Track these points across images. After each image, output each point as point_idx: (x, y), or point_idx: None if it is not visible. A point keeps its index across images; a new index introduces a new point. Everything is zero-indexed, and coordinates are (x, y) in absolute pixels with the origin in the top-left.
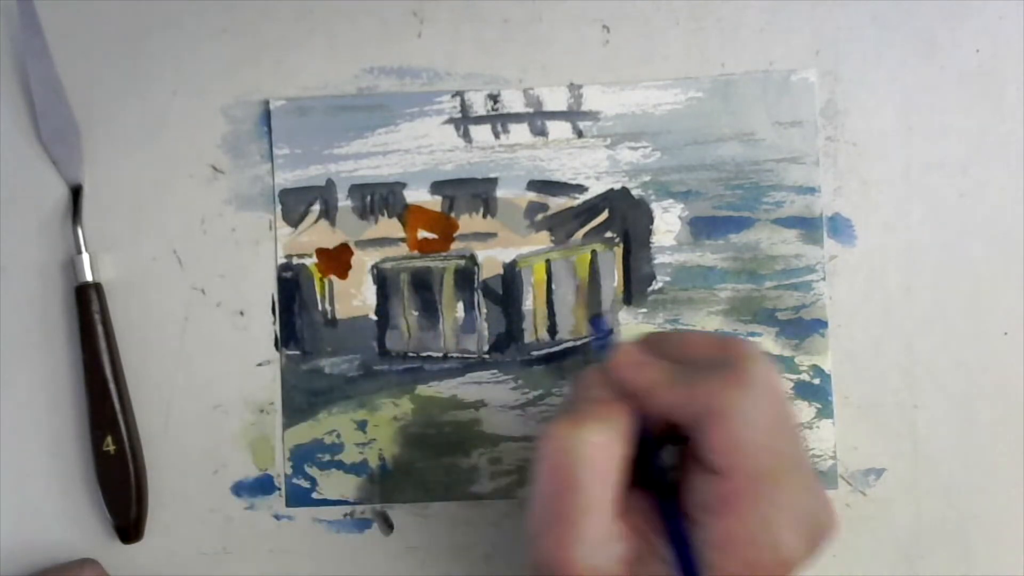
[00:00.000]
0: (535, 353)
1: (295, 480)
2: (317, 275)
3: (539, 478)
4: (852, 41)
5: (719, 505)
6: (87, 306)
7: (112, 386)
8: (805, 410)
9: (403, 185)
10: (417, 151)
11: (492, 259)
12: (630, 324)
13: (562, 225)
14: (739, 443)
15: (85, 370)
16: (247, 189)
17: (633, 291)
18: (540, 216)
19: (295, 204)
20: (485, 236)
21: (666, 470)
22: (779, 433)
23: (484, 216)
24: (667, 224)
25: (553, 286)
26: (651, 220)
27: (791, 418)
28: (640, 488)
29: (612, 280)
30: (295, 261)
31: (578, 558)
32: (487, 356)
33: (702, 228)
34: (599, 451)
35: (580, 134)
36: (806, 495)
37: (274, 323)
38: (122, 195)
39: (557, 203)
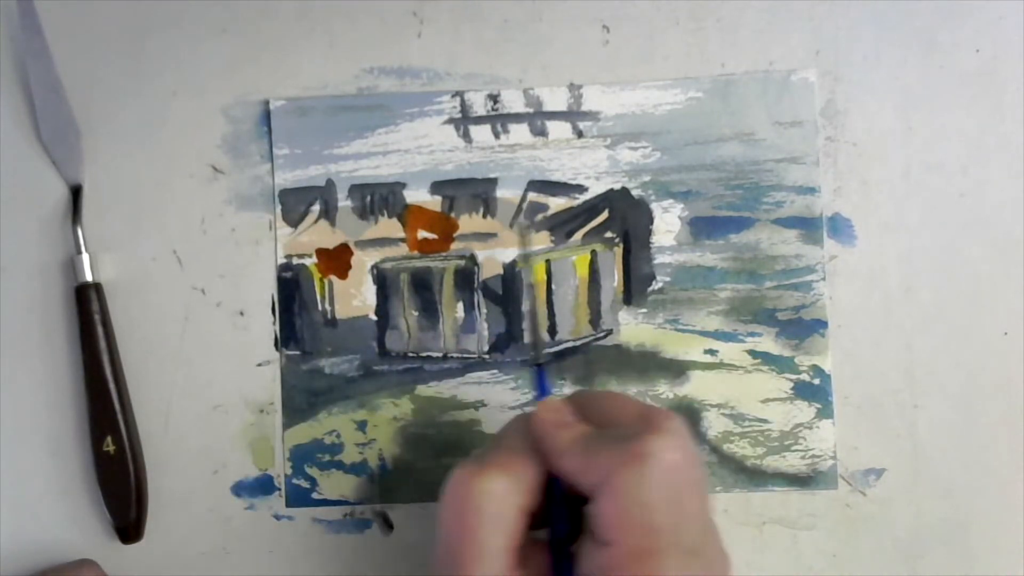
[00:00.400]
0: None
1: (295, 480)
2: (317, 275)
3: (440, 521)
4: (852, 41)
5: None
6: (87, 306)
7: (112, 386)
8: (805, 410)
9: (403, 185)
10: (417, 151)
11: (492, 259)
12: (630, 324)
13: (562, 225)
14: (625, 519)
15: (85, 370)
16: (247, 189)
17: (633, 291)
18: (540, 216)
19: (295, 204)
20: (485, 236)
21: (567, 530)
22: (669, 511)
23: (484, 216)
24: (667, 224)
25: (553, 286)
26: (651, 220)
27: (690, 493)
28: (544, 543)
29: (612, 280)
30: (295, 261)
31: None
32: (487, 356)
33: (702, 228)
34: (495, 501)
35: (580, 134)
36: (694, 570)
37: (274, 323)
38: (122, 195)
39: (557, 203)
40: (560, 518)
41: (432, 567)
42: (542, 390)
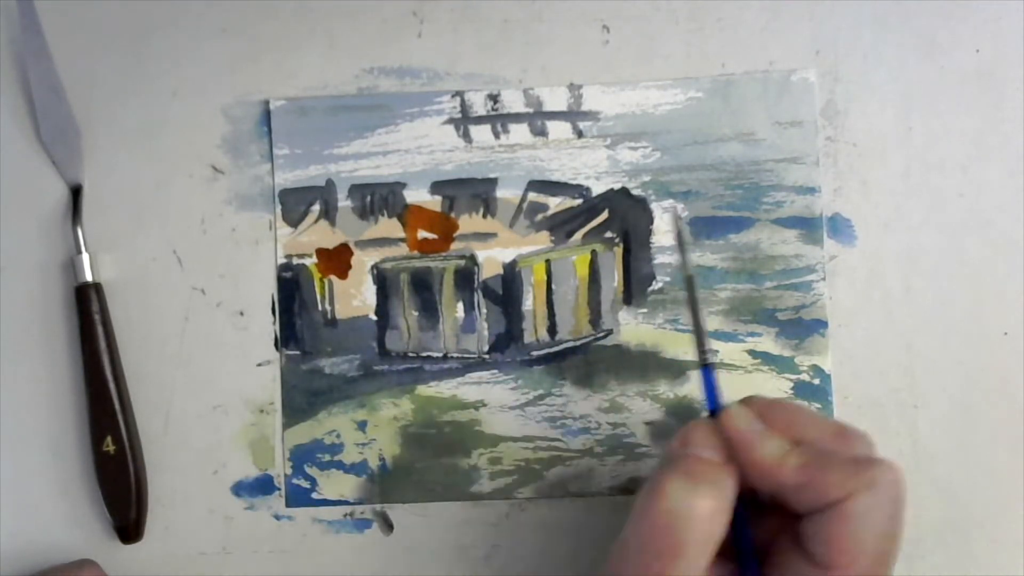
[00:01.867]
0: (535, 353)
1: (295, 480)
2: (317, 275)
3: (638, 532)
4: (852, 41)
5: None
6: (87, 306)
7: (112, 386)
8: None
9: (403, 185)
10: (417, 151)
11: (492, 259)
12: (630, 324)
13: (562, 225)
14: (856, 544)
15: (85, 370)
16: (247, 189)
17: (633, 291)
18: (540, 216)
19: (295, 204)
20: (485, 236)
21: (752, 543)
22: (892, 539)
23: (484, 216)
24: (667, 224)
25: (553, 286)
26: (651, 220)
27: (902, 521)
28: (720, 555)
29: (612, 280)
30: (295, 261)
31: None
32: (487, 356)
33: (702, 228)
34: (709, 519)
35: (580, 134)
36: None
37: (274, 323)
38: (122, 195)
39: (557, 203)
40: (748, 535)
41: (618, 558)
42: (712, 396)
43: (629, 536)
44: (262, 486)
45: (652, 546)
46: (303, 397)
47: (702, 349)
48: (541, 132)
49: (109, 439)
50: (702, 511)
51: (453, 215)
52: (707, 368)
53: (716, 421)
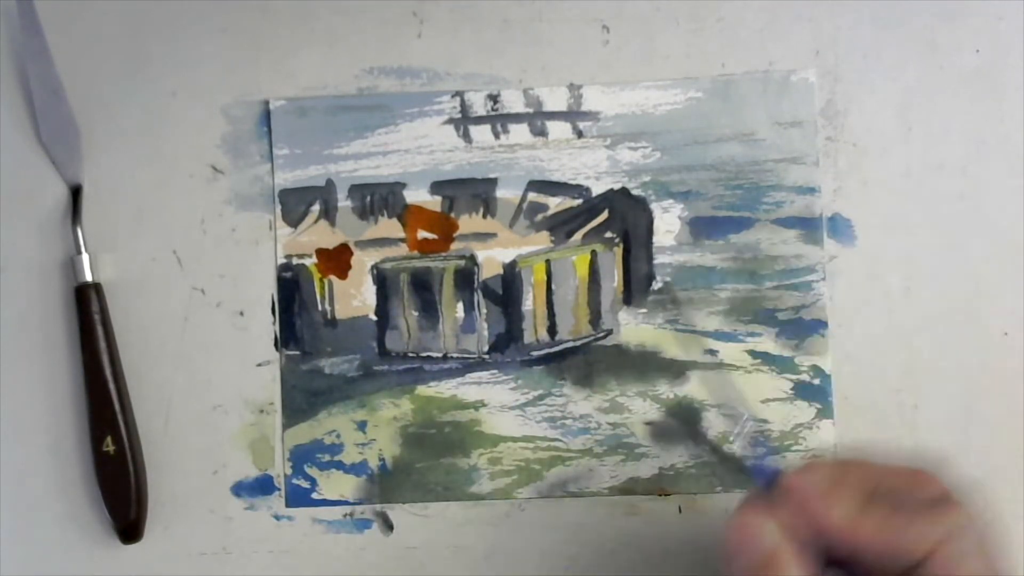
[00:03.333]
0: (535, 353)
1: (295, 480)
2: (317, 275)
3: None
4: (852, 41)
5: None
6: (87, 306)
7: (112, 386)
8: (805, 410)
9: (403, 185)
10: (417, 151)
11: (492, 259)
12: (630, 324)
13: (562, 225)
14: None
15: (85, 370)
16: (247, 189)
17: (633, 291)
18: (540, 216)
19: (295, 204)
20: (485, 236)
21: None
22: (992, 568)
23: (484, 216)
24: (667, 224)
25: (553, 286)
26: (651, 220)
27: (996, 556)
28: None
29: (612, 280)
30: (295, 261)
31: None
32: (487, 356)
33: (702, 228)
34: None
35: (580, 134)
36: None
37: (274, 323)
38: (122, 195)
39: (557, 203)
40: None
41: None
42: (763, 468)
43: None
44: (262, 486)
45: None
46: (303, 397)
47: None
48: (541, 132)
49: (109, 439)
50: None
51: (453, 215)
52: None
53: (771, 495)
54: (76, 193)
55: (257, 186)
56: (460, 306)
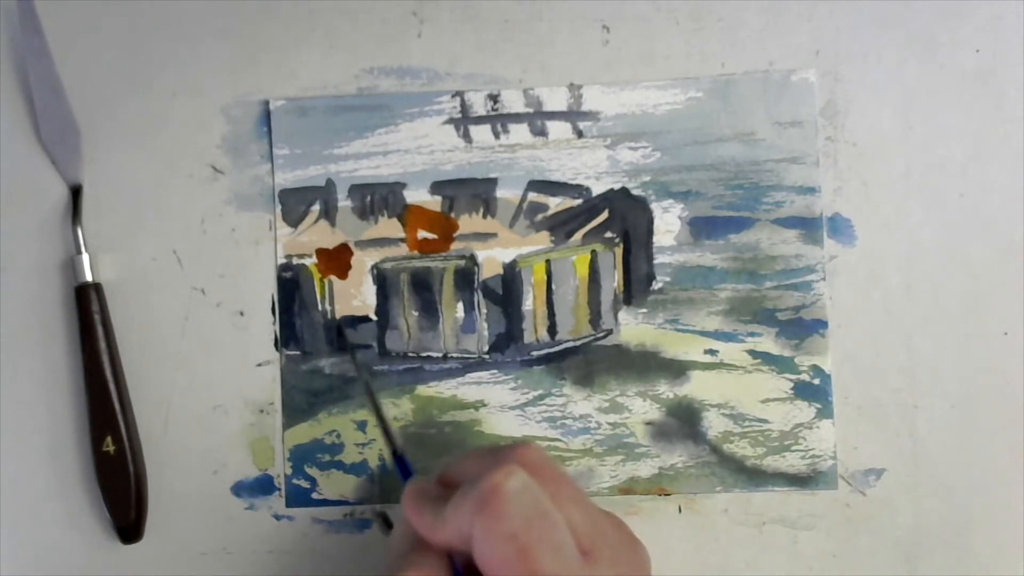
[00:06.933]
0: (535, 353)
1: (295, 480)
2: (317, 275)
3: None
4: (852, 41)
5: None
6: (87, 306)
7: (112, 386)
8: (805, 410)
9: (403, 185)
10: (417, 151)
11: (492, 259)
12: (630, 324)
13: (562, 225)
14: (492, 560)
15: (85, 370)
16: (247, 189)
17: (633, 291)
18: (540, 216)
19: (295, 204)
20: (485, 236)
21: None
22: (531, 532)
23: (484, 216)
24: (667, 224)
25: (553, 286)
26: (651, 220)
27: (548, 507)
28: None
29: (612, 280)
30: (295, 261)
31: None
32: (487, 356)
33: (702, 228)
34: None
35: (580, 134)
36: (596, 570)
37: (274, 323)
38: (122, 195)
39: (557, 203)
40: None
41: None
42: (405, 476)
43: None
44: (262, 486)
45: None
46: (303, 397)
47: (390, 440)
48: (541, 132)
49: (109, 439)
50: None
51: (453, 215)
52: (397, 456)
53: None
54: (76, 193)
55: (257, 186)
56: (460, 306)
